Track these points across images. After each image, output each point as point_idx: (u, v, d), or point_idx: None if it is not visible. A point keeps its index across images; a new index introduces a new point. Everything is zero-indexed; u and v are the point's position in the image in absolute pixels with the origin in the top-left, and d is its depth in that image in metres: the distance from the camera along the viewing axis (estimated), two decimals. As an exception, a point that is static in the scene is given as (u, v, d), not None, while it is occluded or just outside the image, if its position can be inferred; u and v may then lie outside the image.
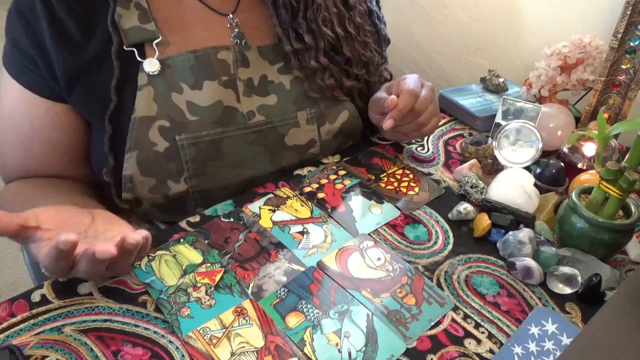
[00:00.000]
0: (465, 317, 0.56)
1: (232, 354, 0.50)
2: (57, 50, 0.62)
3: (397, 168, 0.79)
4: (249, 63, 0.71)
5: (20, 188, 0.68)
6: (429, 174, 0.78)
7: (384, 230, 0.67)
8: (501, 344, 0.53)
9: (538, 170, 0.75)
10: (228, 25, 0.71)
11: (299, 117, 0.74)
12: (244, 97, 0.70)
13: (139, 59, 0.65)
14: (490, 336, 0.54)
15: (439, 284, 0.60)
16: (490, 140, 0.84)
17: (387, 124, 0.70)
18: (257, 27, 0.73)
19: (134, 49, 0.64)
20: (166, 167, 0.67)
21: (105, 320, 0.53)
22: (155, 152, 0.66)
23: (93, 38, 0.63)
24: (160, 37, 0.66)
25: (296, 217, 0.67)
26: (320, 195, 0.71)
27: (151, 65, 0.65)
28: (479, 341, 0.54)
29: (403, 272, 0.61)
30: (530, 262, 0.61)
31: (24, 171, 0.69)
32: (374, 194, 0.73)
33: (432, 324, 0.55)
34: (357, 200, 0.71)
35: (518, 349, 0.53)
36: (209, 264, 0.60)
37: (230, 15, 0.71)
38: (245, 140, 0.71)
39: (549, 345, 0.53)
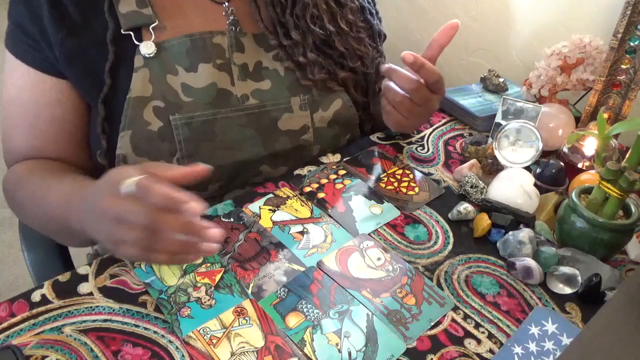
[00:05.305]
0: (465, 317, 0.56)
1: (232, 354, 0.50)
2: (55, 31, 0.63)
3: (397, 168, 0.79)
4: (244, 49, 0.72)
5: (31, 171, 0.68)
6: (429, 174, 0.78)
7: (384, 230, 0.67)
8: (501, 344, 0.53)
9: (538, 170, 0.75)
10: (224, 13, 0.72)
11: (293, 102, 0.75)
12: (238, 81, 0.71)
13: (135, 42, 0.66)
14: (490, 336, 0.54)
15: (439, 284, 0.60)
16: (490, 140, 0.84)
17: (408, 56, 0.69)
18: (252, 15, 0.74)
19: (131, 33, 0.66)
20: (159, 146, 0.67)
21: (105, 320, 0.53)
22: (149, 131, 0.67)
23: (93, 21, 0.65)
24: (157, 22, 0.67)
25: (296, 217, 0.67)
26: (320, 195, 0.71)
27: (147, 47, 0.66)
28: (479, 341, 0.54)
29: (403, 272, 0.61)
30: (530, 262, 0.60)
31: (30, 151, 0.69)
32: (374, 194, 0.73)
33: (432, 324, 0.55)
34: (357, 200, 0.71)
35: (518, 349, 0.53)
36: (209, 264, 0.60)
37: (226, 4, 0.73)
38: (238, 122, 0.71)
39: (549, 345, 0.53)
